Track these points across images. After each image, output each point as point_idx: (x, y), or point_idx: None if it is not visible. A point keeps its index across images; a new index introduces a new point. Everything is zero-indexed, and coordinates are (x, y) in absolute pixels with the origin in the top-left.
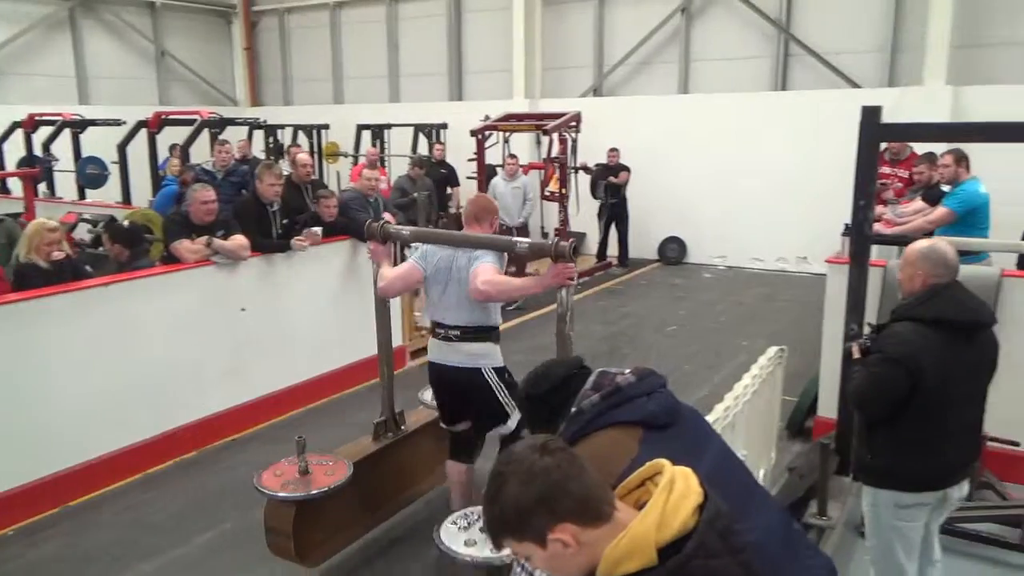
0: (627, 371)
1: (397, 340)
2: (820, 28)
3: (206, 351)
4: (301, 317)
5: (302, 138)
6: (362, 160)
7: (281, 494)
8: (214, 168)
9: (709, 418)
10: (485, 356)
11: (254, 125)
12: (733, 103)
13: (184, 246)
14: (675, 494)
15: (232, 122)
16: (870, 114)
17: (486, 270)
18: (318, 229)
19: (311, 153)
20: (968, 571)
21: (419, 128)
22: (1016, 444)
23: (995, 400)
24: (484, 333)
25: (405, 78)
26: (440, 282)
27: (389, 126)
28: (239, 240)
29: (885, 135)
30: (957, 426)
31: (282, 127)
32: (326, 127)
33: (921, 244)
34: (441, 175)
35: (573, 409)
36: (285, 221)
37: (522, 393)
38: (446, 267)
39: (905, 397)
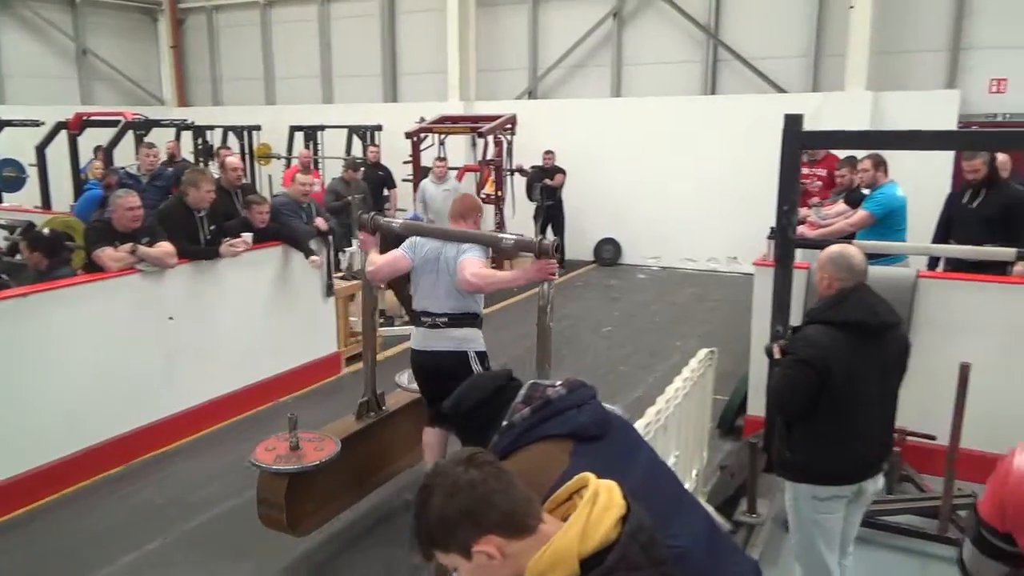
0: (558, 383)
1: (331, 346)
2: (747, 34)
3: (132, 362)
4: (232, 325)
5: (232, 140)
6: (295, 163)
7: (274, 467)
8: (139, 172)
9: (642, 422)
10: (470, 340)
11: (181, 126)
12: (665, 107)
13: (107, 254)
14: (598, 507)
15: (158, 123)
16: (792, 122)
17: (473, 263)
18: (248, 235)
19: (242, 155)
20: (890, 562)
21: (353, 130)
22: (932, 438)
23: (912, 396)
24: (470, 319)
25: (339, 79)
26: (429, 272)
27: (322, 128)
28: (165, 247)
29: (807, 142)
30: (868, 423)
31: (212, 128)
32: (257, 128)
33: (831, 249)
34: (378, 177)
35: (504, 423)
36: (213, 227)
37: (450, 409)
38: (434, 258)
39: (817, 396)
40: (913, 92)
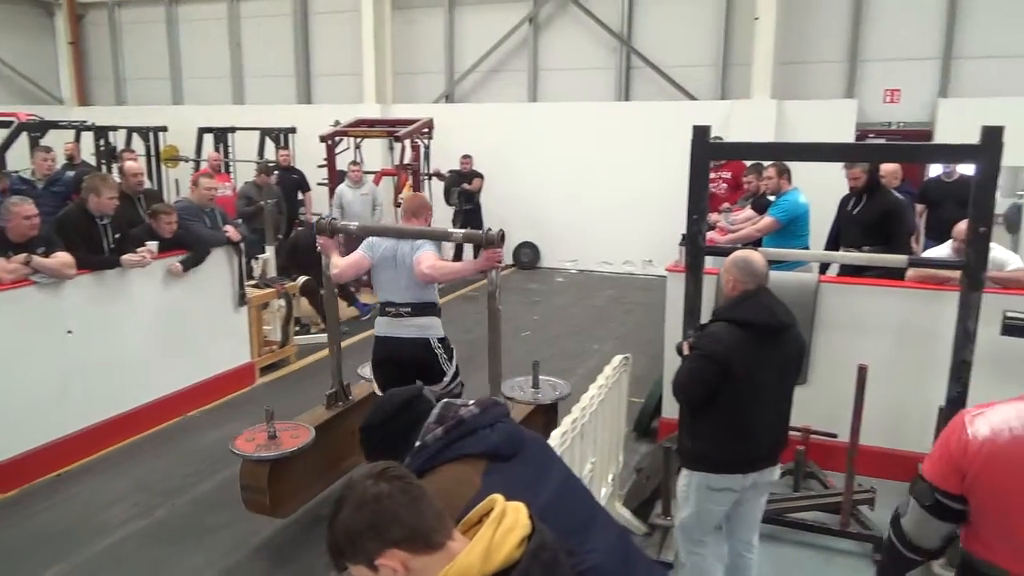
0: (471, 403)
1: (244, 357)
2: (659, 43)
3: (28, 379)
4: (137, 338)
5: (137, 141)
6: (204, 165)
7: (256, 455)
8: (34, 177)
9: (558, 431)
10: (431, 328)
11: (81, 127)
12: (580, 112)
13: None
14: (503, 527)
15: (55, 124)
16: (700, 133)
17: (429, 257)
18: (154, 244)
19: (148, 157)
20: (794, 558)
21: (265, 132)
22: (834, 436)
23: (815, 396)
24: (430, 308)
25: (250, 79)
26: (388, 268)
27: (233, 129)
28: (62, 258)
29: (715, 153)
30: (765, 418)
31: (115, 129)
32: (164, 129)
33: (736, 255)
34: (292, 180)
35: (417, 443)
36: (118, 235)
37: (362, 427)
38: (391, 255)
39: (717, 389)
40: (814, 101)
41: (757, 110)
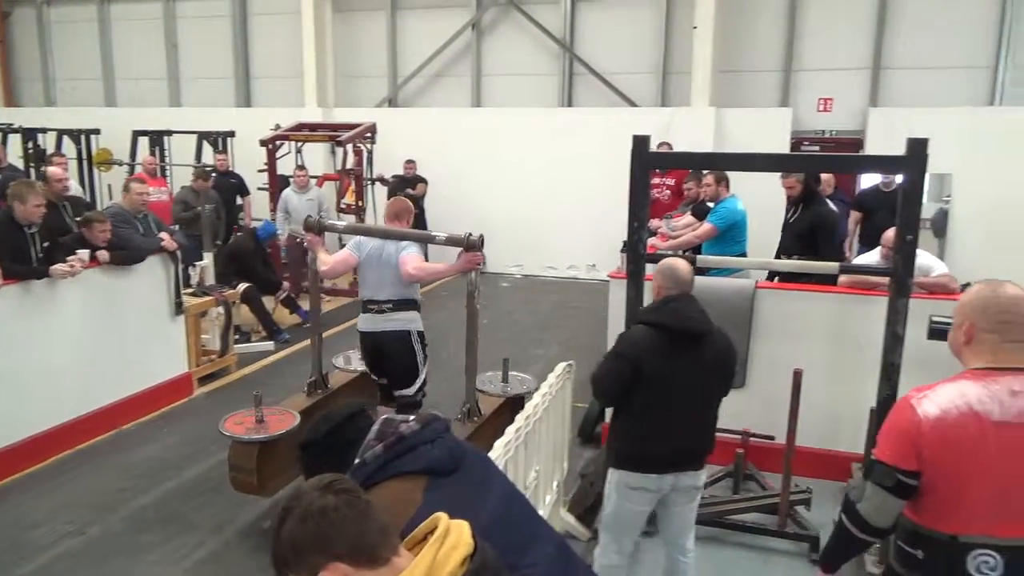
0: (411, 418)
1: (181, 367)
2: (601, 50)
3: None
4: (67, 349)
5: (68, 144)
6: (139, 170)
7: (245, 437)
8: None
9: (501, 441)
10: (411, 322)
11: (7, 130)
12: (524, 117)
13: None
14: (446, 546)
15: None
16: (641, 143)
17: (414, 258)
18: (84, 252)
19: (79, 161)
20: (733, 559)
21: (203, 136)
22: (771, 438)
23: (752, 399)
24: (410, 304)
25: (187, 81)
26: (373, 267)
27: (169, 132)
28: None
29: (655, 163)
30: (681, 420)
31: (44, 131)
32: (96, 132)
33: (664, 262)
34: (230, 184)
35: (357, 460)
36: (47, 244)
37: (301, 445)
38: (377, 255)
39: (632, 389)
40: (752, 109)
41: (697, 118)
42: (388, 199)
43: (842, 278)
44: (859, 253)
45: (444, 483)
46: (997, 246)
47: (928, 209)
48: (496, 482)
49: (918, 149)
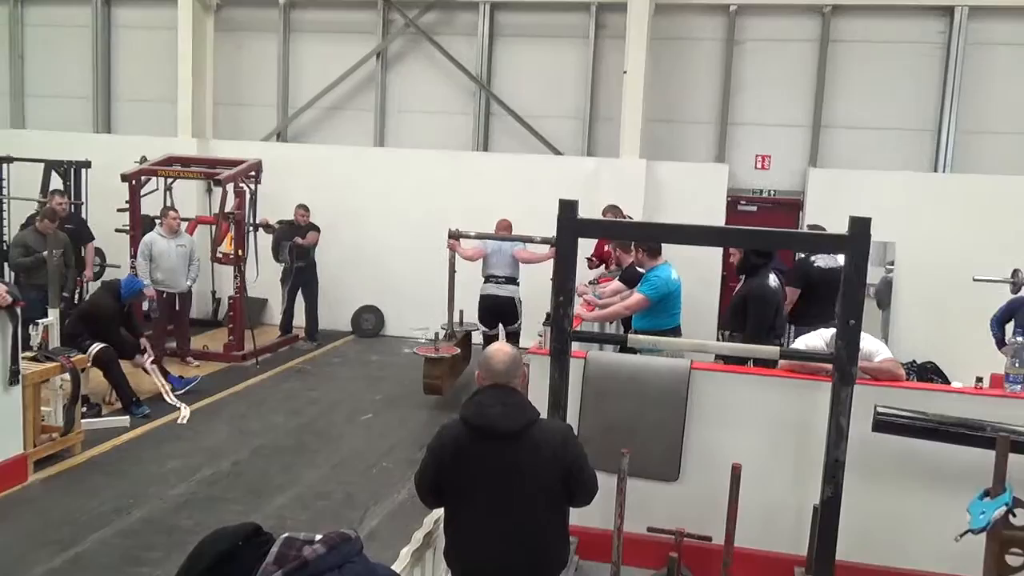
0: (317, 539)
1: (15, 447)
2: (520, 90)
3: None
4: None
5: None
6: None
7: (435, 355)
8: None
9: (406, 550)
10: (517, 291)
11: None
12: (433, 160)
13: None
14: None
15: None
16: (567, 209)
17: (521, 252)
18: None
19: None
20: None
21: (52, 165)
22: (708, 539)
23: (687, 494)
24: (516, 280)
25: (34, 99)
26: (496, 254)
27: (10, 159)
28: None
29: (583, 232)
30: (494, 527)
31: None
32: None
33: (488, 348)
34: (68, 230)
35: None
36: None
37: (184, 570)
38: (498, 248)
39: (440, 490)
40: (686, 163)
41: (626, 169)
42: (273, 248)
43: (782, 362)
44: (796, 334)
45: None
46: (944, 320)
47: (872, 274)
48: None
49: (861, 228)
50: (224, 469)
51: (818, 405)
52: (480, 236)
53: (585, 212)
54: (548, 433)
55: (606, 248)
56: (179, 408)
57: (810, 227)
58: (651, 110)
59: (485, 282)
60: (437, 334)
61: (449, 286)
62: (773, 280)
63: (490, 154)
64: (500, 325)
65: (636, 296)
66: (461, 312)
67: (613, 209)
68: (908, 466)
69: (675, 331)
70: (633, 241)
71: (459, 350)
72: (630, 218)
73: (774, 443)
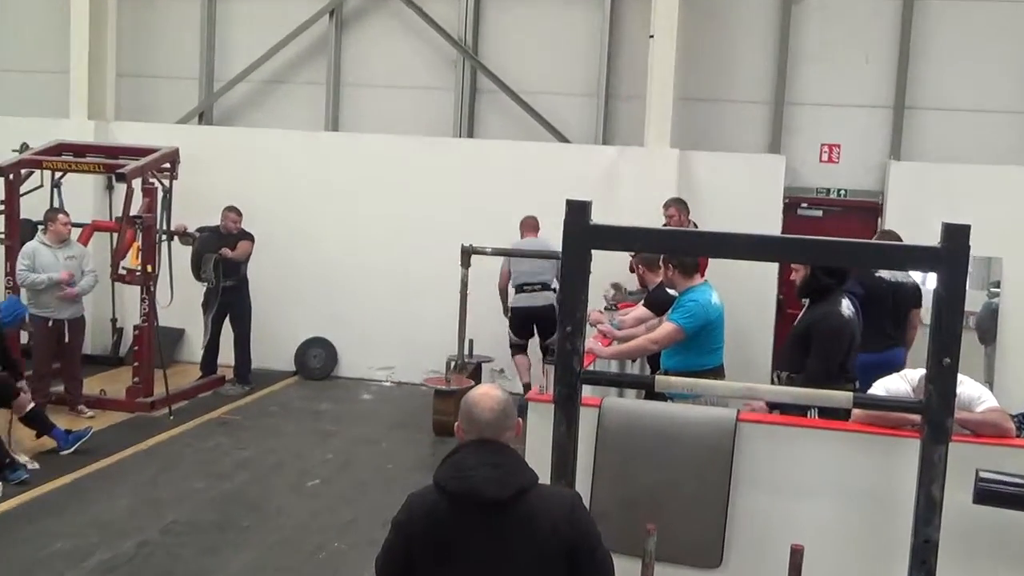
0: None
1: None
2: (516, 59)
3: None
4: None
5: None
6: None
7: (445, 388)
8: None
9: None
10: (552, 298)
11: None
12: (402, 150)
13: None
14: None
15: None
16: (577, 212)
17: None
18: None
19: None
20: None
21: None
22: None
23: None
24: (552, 286)
25: None
26: (527, 263)
27: None
28: None
29: (598, 240)
30: None
31: None
32: None
33: (467, 394)
34: None
35: None
36: None
37: None
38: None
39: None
40: (731, 154)
41: (654, 161)
42: (193, 262)
43: (856, 412)
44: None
45: None
46: None
47: (972, 301)
48: None
49: (958, 240)
50: (126, 552)
51: (903, 468)
52: (499, 252)
53: (602, 215)
54: (549, 503)
55: None
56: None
57: (881, 235)
58: (685, 86)
59: (516, 293)
60: (450, 363)
61: (460, 310)
62: (847, 307)
63: (478, 141)
64: (535, 329)
65: (667, 327)
66: (471, 342)
67: (677, 204)
68: (1020, 547)
69: (716, 372)
70: (662, 255)
71: (473, 383)
72: (694, 224)
73: (845, 518)
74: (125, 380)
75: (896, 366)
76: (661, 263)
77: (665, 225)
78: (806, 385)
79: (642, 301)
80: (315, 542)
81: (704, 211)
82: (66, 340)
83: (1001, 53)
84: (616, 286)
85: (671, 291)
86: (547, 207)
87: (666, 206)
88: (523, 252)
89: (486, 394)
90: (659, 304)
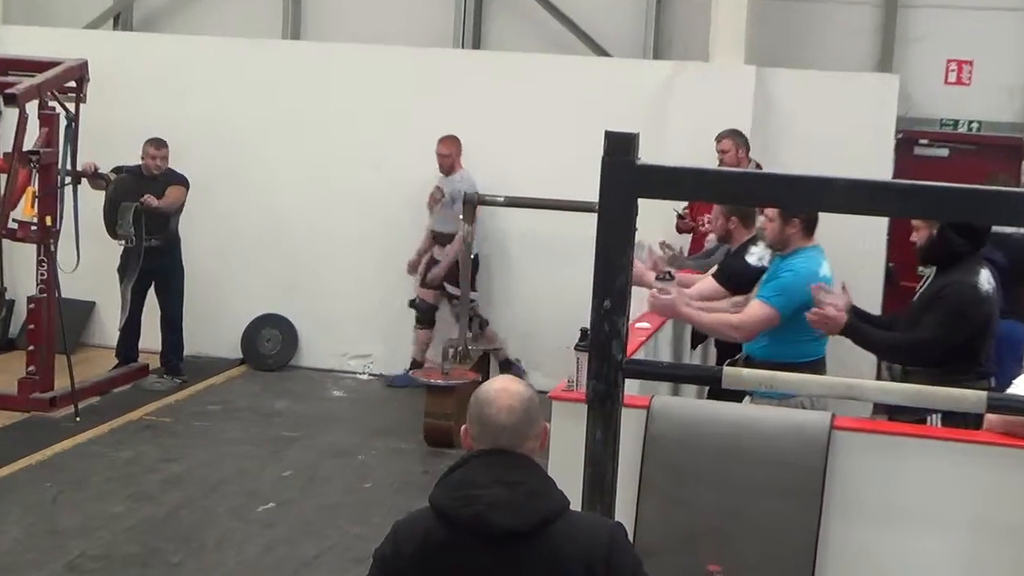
0: None
1: None
2: None
3: None
4: None
5: None
6: None
7: (441, 382)
8: None
9: None
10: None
11: None
12: (386, 64)
13: None
14: None
15: None
16: (620, 147)
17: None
18: None
19: None
20: None
21: None
22: None
23: None
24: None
25: None
26: None
27: None
28: None
29: (647, 186)
30: None
31: None
32: None
33: (479, 388)
34: None
35: None
36: None
37: None
38: None
39: None
40: (824, 73)
41: (722, 81)
42: (105, 214)
43: (990, 417)
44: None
45: None
46: None
47: None
48: None
49: None
50: None
51: None
52: (513, 203)
53: (652, 152)
54: (581, 536)
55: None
56: None
57: (990, 179)
58: None
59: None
60: (448, 351)
61: (462, 279)
62: (987, 280)
63: (486, 53)
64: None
65: (755, 308)
66: (482, 321)
67: (734, 137)
68: None
69: (817, 366)
70: (756, 207)
71: (479, 376)
72: (757, 165)
73: (976, 553)
74: (16, 370)
75: None
76: (768, 215)
77: (720, 164)
78: (929, 380)
79: (711, 271)
80: None
81: (787, 147)
82: None
83: None
84: (667, 246)
85: (752, 258)
86: (579, 142)
87: (718, 139)
88: (550, 203)
89: (504, 389)
90: (735, 276)
